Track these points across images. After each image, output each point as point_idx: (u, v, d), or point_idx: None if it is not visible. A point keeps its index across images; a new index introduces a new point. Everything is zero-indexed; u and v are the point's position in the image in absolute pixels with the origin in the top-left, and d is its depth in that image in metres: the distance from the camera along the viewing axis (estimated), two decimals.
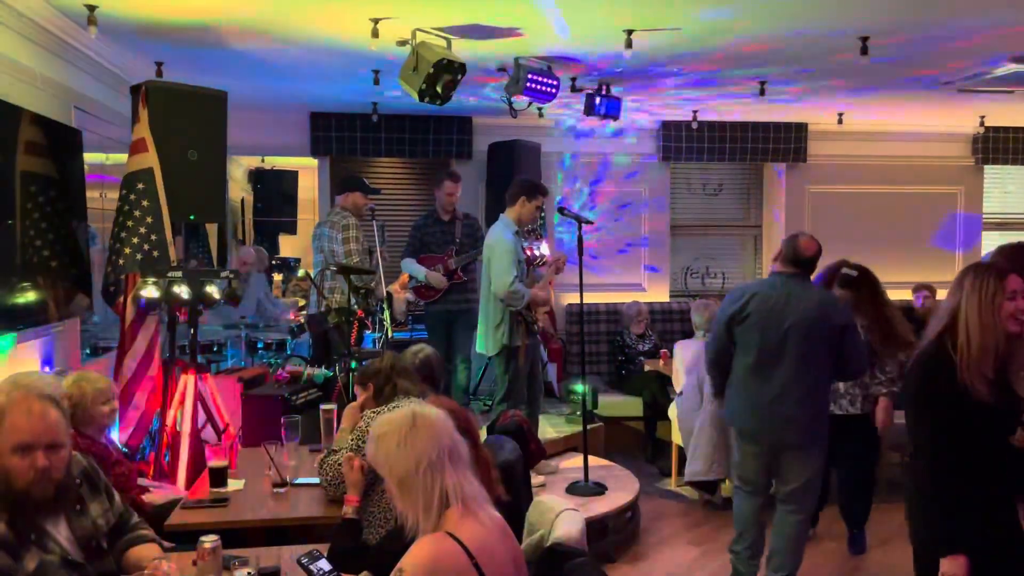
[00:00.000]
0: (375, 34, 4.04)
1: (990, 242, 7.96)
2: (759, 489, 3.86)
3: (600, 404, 6.23)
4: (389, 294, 5.73)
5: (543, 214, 6.17)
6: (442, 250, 5.80)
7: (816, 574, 4.26)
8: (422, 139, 6.89)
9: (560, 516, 2.45)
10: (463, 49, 4.43)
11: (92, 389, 3.14)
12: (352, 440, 2.83)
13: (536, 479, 4.51)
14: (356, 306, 4.88)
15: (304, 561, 2.17)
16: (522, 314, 4.77)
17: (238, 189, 8.40)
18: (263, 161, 8.67)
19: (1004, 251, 3.26)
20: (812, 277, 3.84)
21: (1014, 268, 2.54)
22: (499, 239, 4.77)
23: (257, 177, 8.96)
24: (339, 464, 2.81)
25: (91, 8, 3.75)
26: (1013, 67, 5.04)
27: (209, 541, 2.29)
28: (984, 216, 8.00)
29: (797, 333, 3.60)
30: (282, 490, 3.10)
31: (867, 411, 4.35)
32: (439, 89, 4.25)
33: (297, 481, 3.18)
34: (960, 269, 2.68)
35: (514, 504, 2.82)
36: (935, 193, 7.80)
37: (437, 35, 4.26)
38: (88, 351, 4.68)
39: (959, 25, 4.25)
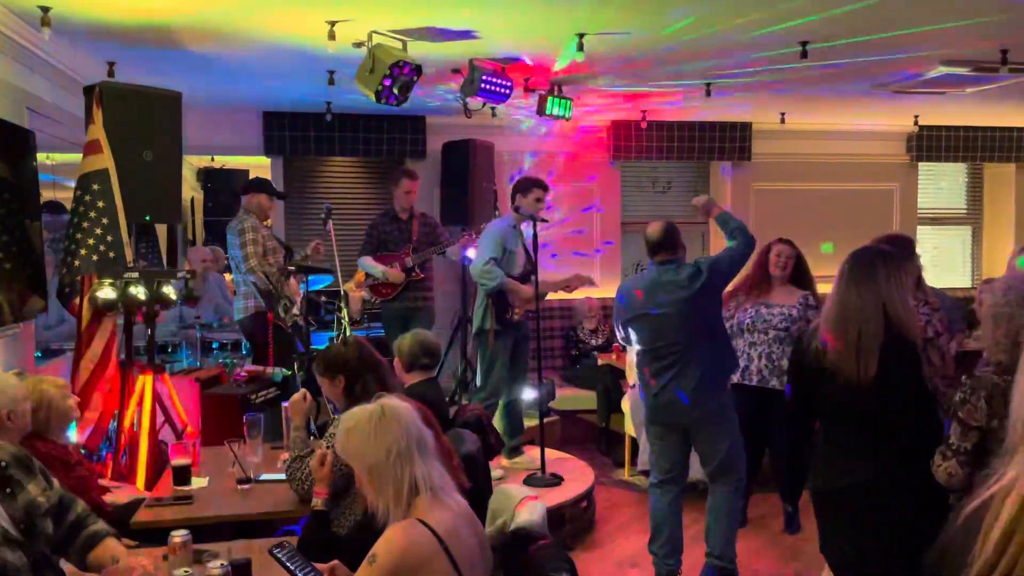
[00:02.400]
0: (331, 36, 4.08)
1: (924, 236, 8.30)
2: (677, 478, 3.92)
3: (555, 398, 6.35)
4: (345, 293, 5.75)
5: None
6: (399, 248, 5.85)
7: (757, 560, 4.44)
8: (376, 138, 6.92)
9: (522, 503, 2.56)
10: (419, 51, 4.49)
11: (53, 387, 3.11)
12: (325, 440, 2.85)
13: (496, 471, 4.61)
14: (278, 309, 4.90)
15: (276, 551, 2.23)
16: (493, 298, 4.89)
17: (188, 188, 8.31)
18: (213, 160, 8.59)
19: (882, 240, 3.43)
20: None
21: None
22: (492, 224, 5.15)
23: (207, 176, 8.86)
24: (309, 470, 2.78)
25: (44, 9, 3.72)
26: (944, 70, 5.27)
27: (179, 535, 2.35)
28: (919, 211, 8.33)
29: (666, 308, 3.76)
30: (247, 486, 3.14)
31: None
32: (395, 91, 4.32)
33: (262, 478, 3.23)
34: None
35: (476, 493, 2.92)
36: (873, 190, 8.11)
37: (393, 37, 4.32)
38: (40, 353, 4.64)
39: (893, 30, 4.46)
